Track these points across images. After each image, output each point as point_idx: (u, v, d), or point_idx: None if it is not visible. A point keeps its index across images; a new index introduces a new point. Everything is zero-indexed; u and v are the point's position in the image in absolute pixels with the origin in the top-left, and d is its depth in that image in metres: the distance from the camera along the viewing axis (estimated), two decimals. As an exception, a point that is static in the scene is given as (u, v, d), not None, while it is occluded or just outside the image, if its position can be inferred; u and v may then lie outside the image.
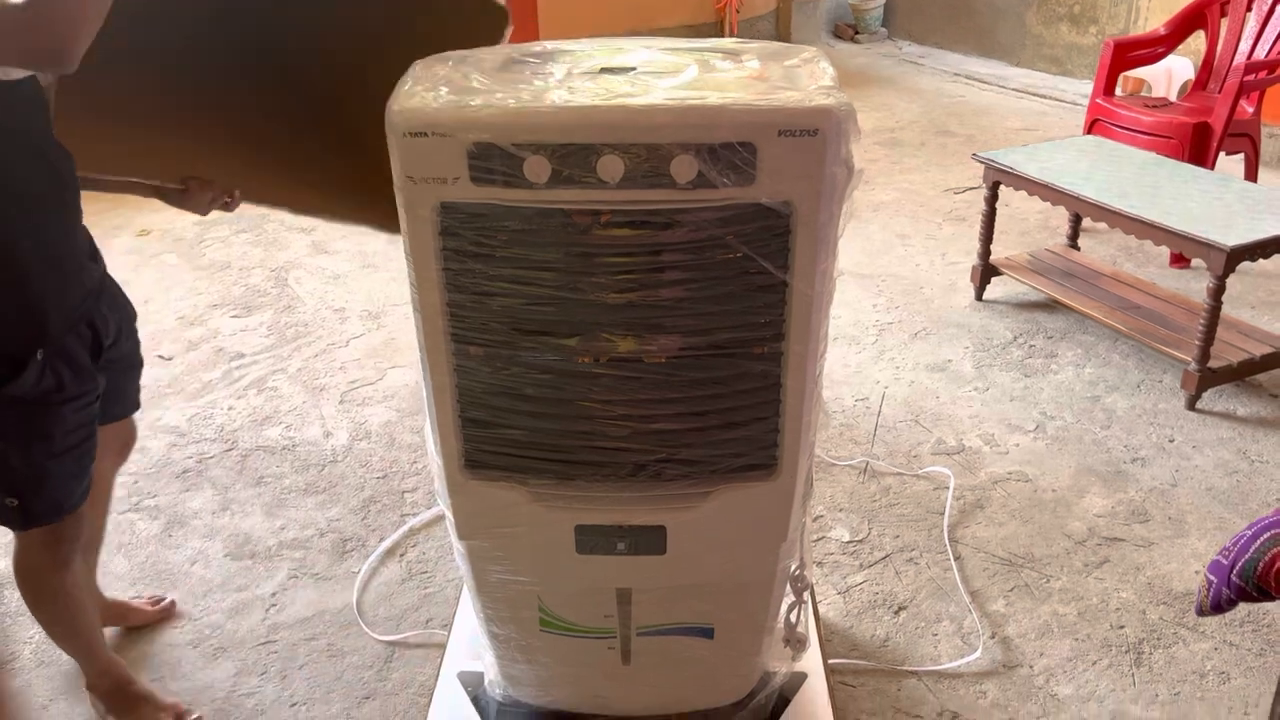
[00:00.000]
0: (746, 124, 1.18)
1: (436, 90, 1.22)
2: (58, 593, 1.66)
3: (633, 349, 1.31)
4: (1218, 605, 1.46)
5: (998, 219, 3.20)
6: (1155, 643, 1.93)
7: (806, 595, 1.64)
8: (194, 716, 1.78)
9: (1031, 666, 1.88)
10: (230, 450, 2.60)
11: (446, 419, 1.38)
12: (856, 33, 7.25)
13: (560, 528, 1.45)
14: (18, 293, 1.45)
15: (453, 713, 1.68)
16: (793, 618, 1.66)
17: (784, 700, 1.67)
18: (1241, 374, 2.71)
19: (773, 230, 1.25)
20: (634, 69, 1.32)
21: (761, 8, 7.02)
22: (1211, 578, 1.47)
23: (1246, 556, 1.41)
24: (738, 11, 6.80)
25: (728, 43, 1.45)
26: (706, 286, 1.28)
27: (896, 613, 2.02)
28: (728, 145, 1.18)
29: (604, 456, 1.39)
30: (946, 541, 2.19)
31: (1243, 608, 1.95)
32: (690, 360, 1.33)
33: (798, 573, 1.60)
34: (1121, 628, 1.97)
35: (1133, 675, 1.86)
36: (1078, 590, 2.06)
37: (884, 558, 2.16)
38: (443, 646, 1.86)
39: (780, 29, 7.14)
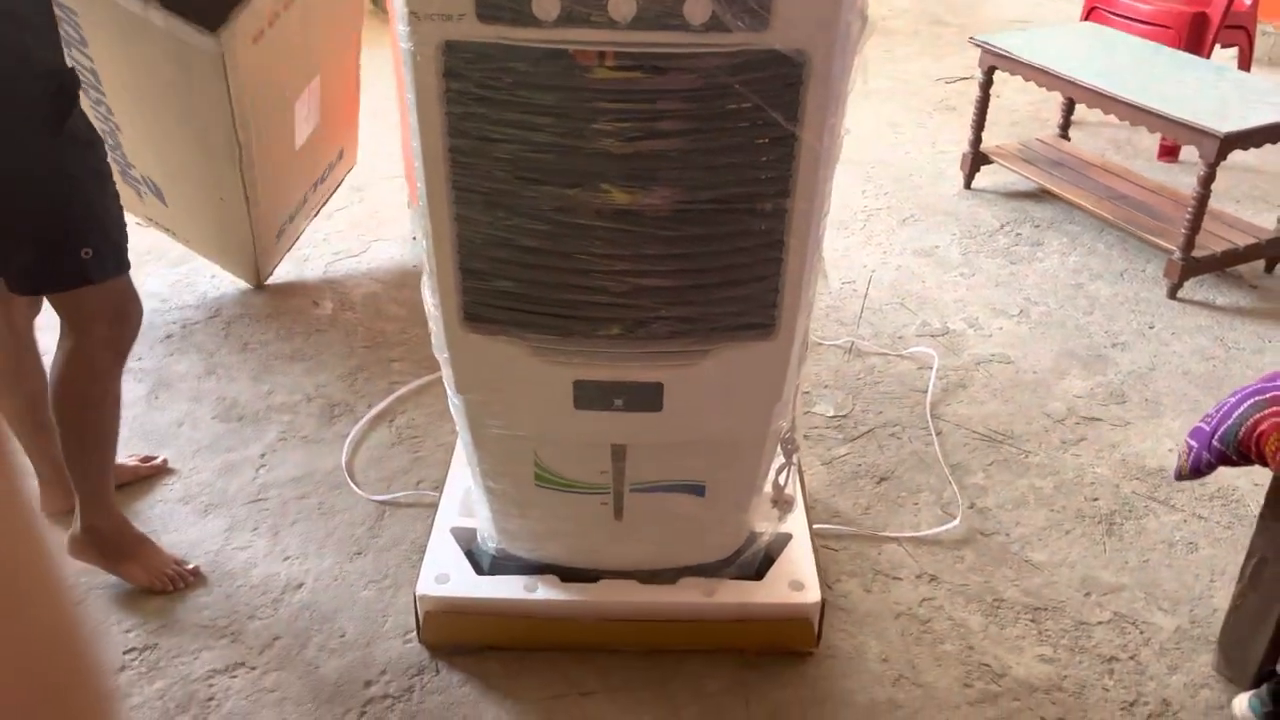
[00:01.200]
0: (762, -36, 1.16)
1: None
2: (105, 399, 1.65)
3: (633, 201, 1.30)
4: (1197, 469, 1.50)
5: (989, 109, 3.17)
6: (1127, 514, 1.99)
7: (795, 458, 1.68)
8: (191, 566, 1.81)
9: (1008, 534, 1.94)
10: (214, 317, 2.58)
11: (446, 270, 1.38)
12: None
13: (558, 383, 1.46)
14: (52, 29, 1.48)
15: (446, 565, 1.71)
16: (781, 479, 1.69)
17: (769, 559, 1.72)
18: (1224, 264, 2.74)
19: (785, 80, 1.23)
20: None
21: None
22: (1192, 443, 1.51)
23: (1229, 423, 1.45)
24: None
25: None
26: (712, 138, 1.27)
27: (878, 483, 2.06)
28: (744, -15, 1.16)
29: (602, 312, 1.39)
30: (929, 417, 2.23)
31: (1212, 480, 2.01)
32: (692, 215, 1.32)
33: (788, 435, 1.63)
34: (1095, 500, 2.02)
35: (1104, 544, 1.92)
36: (1054, 465, 2.11)
37: (867, 432, 2.20)
38: (434, 507, 1.89)
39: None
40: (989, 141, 3.27)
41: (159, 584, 1.78)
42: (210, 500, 2.00)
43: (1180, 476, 1.55)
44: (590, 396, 1.47)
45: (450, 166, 1.29)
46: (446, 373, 1.50)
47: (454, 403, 1.54)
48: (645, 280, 1.37)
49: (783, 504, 1.71)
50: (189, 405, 2.26)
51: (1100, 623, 1.76)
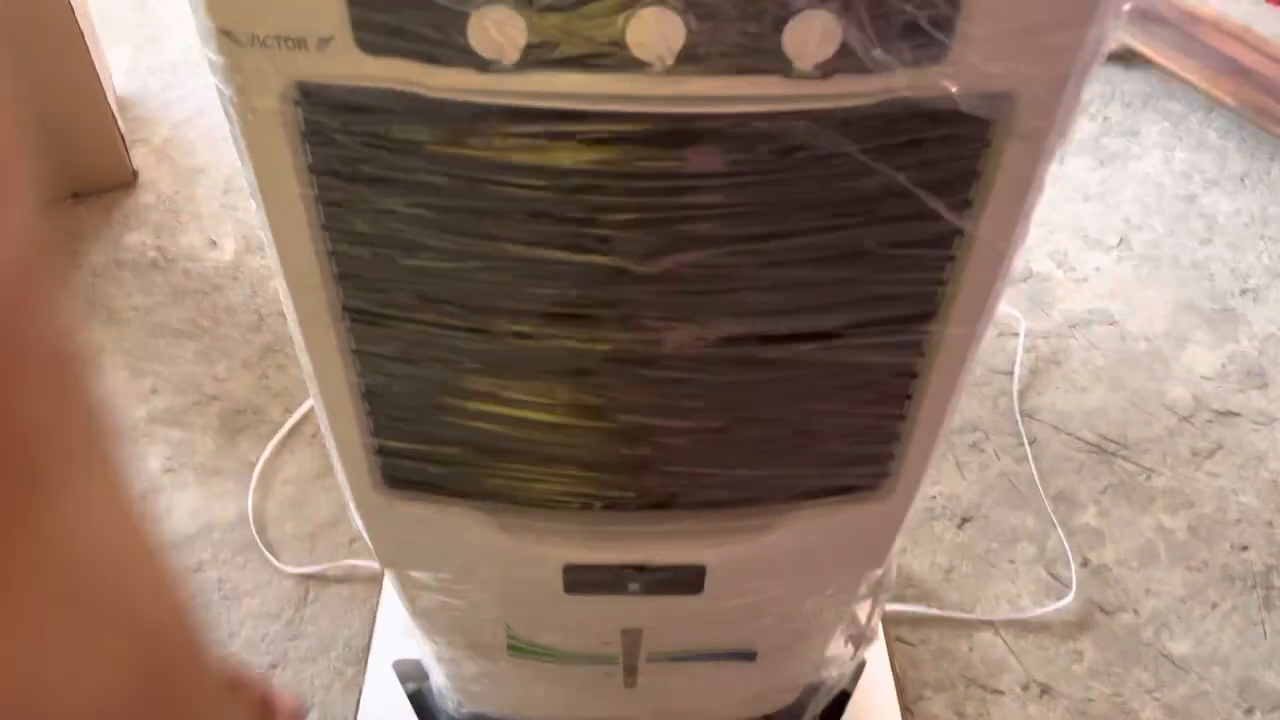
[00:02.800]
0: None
1: None
2: None
3: (651, 344, 0.73)
4: None
5: None
6: (1288, 573, 1.53)
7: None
8: None
9: (1136, 612, 1.47)
10: (75, 266, 1.97)
11: (348, 429, 0.81)
12: None
13: (540, 566, 0.93)
14: None
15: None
16: (862, 616, 1.20)
17: (839, 703, 1.25)
18: (1374, 169, 2.16)
19: (961, 144, 0.64)
20: None
21: None
22: None
23: None
24: None
25: None
26: (808, 244, 0.68)
27: (960, 526, 1.57)
28: (904, -10, 0.54)
29: (605, 478, 0.85)
30: (1018, 416, 1.72)
31: None
32: (763, 355, 0.75)
33: (877, 579, 1.12)
34: (1244, 550, 1.55)
35: (1262, 622, 1.47)
36: (1186, 491, 1.62)
37: (940, 440, 1.69)
38: (375, 583, 1.39)
39: None
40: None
41: None
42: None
43: None
44: (591, 582, 0.94)
45: (335, 284, 0.71)
46: (365, 539, 0.97)
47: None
48: (677, 439, 0.81)
49: (860, 640, 1.22)
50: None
51: (1272, 762, 1.33)
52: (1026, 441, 1.68)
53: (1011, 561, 1.53)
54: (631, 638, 1.04)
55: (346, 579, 1.49)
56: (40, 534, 0.26)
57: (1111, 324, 1.90)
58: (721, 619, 1.03)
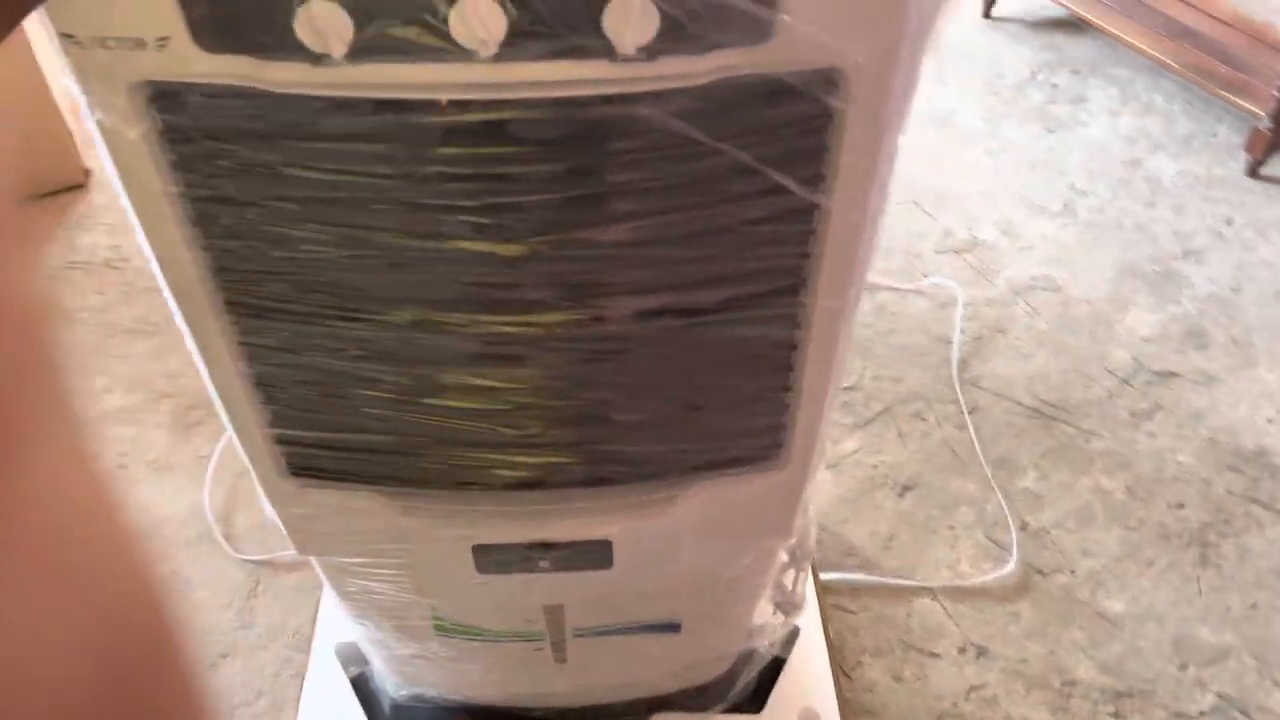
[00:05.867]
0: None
1: None
2: None
3: (531, 322, 0.75)
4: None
5: None
6: (1223, 529, 1.55)
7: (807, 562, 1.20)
8: None
9: (1073, 571, 1.50)
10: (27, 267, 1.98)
11: (245, 421, 0.83)
12: None
13: (449, 545, 0.95)
14: None
15: (330, 706, 1.26)
16: (787, 582, 1.22)
17: (772, 671, 1.27)
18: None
19: (802, 121, 0.65)
20: None
21: None
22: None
23: None
24: None
25: None
26: (665, 224, 0.70)
27: (902, 494, 1.59)
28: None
29: (507, 456, 0.87)
30: (957, 384, 1.74)
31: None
32: (638, 331, 0.77)
33: (796, 544, 1.14)
34: (1181, 508, 1.58)
35: (1198, 580, 1.49)
36: (1124, 453, 1.65)
37: (883, 411, 1.71)
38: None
39: None
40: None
41: None
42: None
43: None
44: (501, 561, 0.96)
45: (213, 279, 0.73)
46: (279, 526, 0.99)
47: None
48: (562, 417, 0.83)
49: (786, 606, 1.24)
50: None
51: (1202, 714, 1.35)
52: (966, 410, 1.70)
53: (951, 528, 1.55)
54: (554, 614, 1.06)
55: (298, 566, 1.51)
56: (9, 493, 0.25)
57: (1054, 290, 1.92)
58: (639, 592, 1.05)
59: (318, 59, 0.57)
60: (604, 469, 0.88)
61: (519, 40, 0.56)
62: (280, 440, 0.85)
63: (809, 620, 1.32)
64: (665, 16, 0.56)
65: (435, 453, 0.85)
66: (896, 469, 1.63)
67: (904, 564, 1.50)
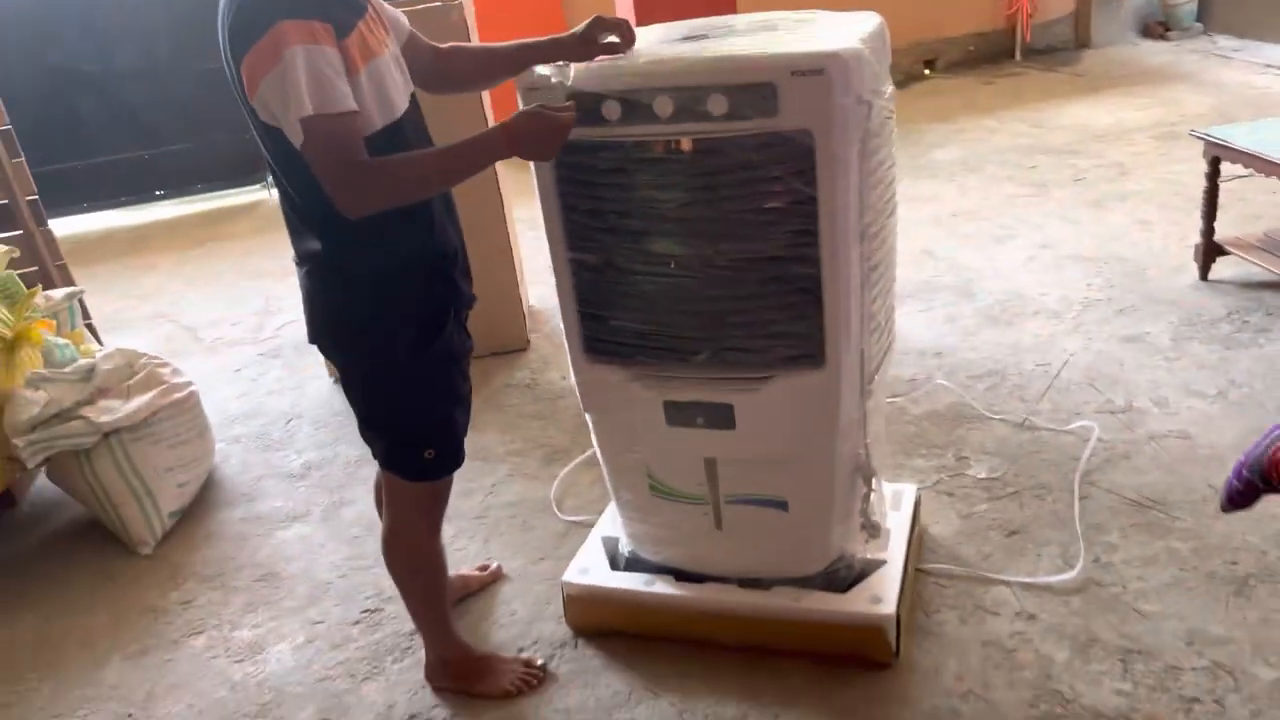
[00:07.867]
0: (764, 68, 1.52)
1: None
2: (429, 559, 1.89)
3: (692, 253, 1.68)
4: (1230, 498, 1.57)
5: (1255, 204, 3.17)
6: (1265, 578, 1.95)
7: (875, 483, 1.89)
8: (540, 662, 2.00)
9: (1124, 587, 1.98)
10: (480, 386, 3.20)
11: (570, 313, 1.82)
12: (1167, 30, 6.90)
13: (653, 403, 1.83)
14: (436, 244, 1.65)
15: (589, 561, 2.10)
16: (866, 508, 1.91)
17: (860, 577, 1.93)
18: None
19: (799, 153, 1.56)
20: (706, 36, 1.70)
21: (1057, 10, 6.90)
22: (1229, 476, 1.57)
23: (1257, 452, 1.52)
24: (1030, 16, 6.74)
25: (808, 12, 1.78)
26: (750, 201, 1.62)
27: (1008, 536, 2.18)
28: (750, 85, 1.52)
29: (681, 344, 1.76)
30: (1076, 483, 2.30)
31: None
32: (744, 265, 1.67)
33: (864, 461, 1.86)
34: (1234, 564, 2.00)
35: (1228, 602, 1.91)
36: (1201, 531, 2.11)
37: (1014, 493, 2.31)
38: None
39: (1079, 31, 6.96)
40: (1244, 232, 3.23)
41: (514, 690, 1.93)
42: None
43: (1223, 509, 1.60)
44: (676, 415, 1.82)
45: (564, 231, 1.75)
46: (577, 393, 1.93)
47: (588, 420, 1.96)
48: (711, 319, 1.73)
49: (870, 529, 1.92)
50: (449, 447, 2.86)
51: (1194, 669, 1.77)
52: (1078, 497, 2.26)
53: (1038, 555, 2.10)
54: (711, 470, 1.86)
55: (592, 524, 2.41)
56: None
57: (1185, 438, 2.43)
58: (757, 462, 1.83)
59: (606, 123, 1.60)
60: (729, 356, 1.74)
61: (679, 113, 1.55)
62: (582, 315, 1.81)
63: (894, 560, 1.95)
64: (731, 104, 1.53)
65: (650, 334, 1.76)
66: (1009, 521, 2.22)
67: (992, 568, 2.08)
